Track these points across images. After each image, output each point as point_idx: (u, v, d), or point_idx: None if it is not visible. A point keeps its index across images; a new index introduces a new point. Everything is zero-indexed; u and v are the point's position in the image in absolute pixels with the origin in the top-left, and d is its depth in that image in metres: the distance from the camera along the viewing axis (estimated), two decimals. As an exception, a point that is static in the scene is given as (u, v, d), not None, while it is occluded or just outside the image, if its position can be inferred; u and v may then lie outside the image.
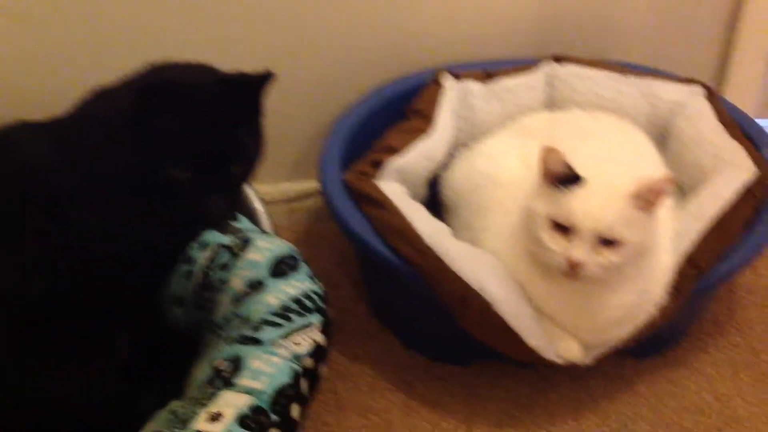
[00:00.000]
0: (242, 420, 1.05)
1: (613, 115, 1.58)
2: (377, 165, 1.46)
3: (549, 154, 1.19)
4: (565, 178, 1.18)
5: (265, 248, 1.36)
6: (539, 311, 1.28)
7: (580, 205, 1.16)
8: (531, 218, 1.22)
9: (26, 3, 1.47)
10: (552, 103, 1.69)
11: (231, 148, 1.03)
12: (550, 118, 1.61)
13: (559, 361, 1.29)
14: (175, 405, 1.13)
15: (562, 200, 1.17)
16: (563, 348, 1.28)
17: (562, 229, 1.17)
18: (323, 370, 1.23)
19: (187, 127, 0.99)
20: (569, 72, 1.67)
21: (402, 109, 1.63)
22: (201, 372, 1.17)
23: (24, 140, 1.08)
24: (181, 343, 1.32)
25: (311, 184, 1.80)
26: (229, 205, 1.06)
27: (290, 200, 1.83)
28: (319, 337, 1.22)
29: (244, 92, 1.05)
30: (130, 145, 0.99)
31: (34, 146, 1.06)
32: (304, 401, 1.15)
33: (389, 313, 1.57)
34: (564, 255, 1.16)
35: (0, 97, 1.52)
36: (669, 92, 1.64)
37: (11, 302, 1.03)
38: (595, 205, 1.15)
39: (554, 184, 1.19)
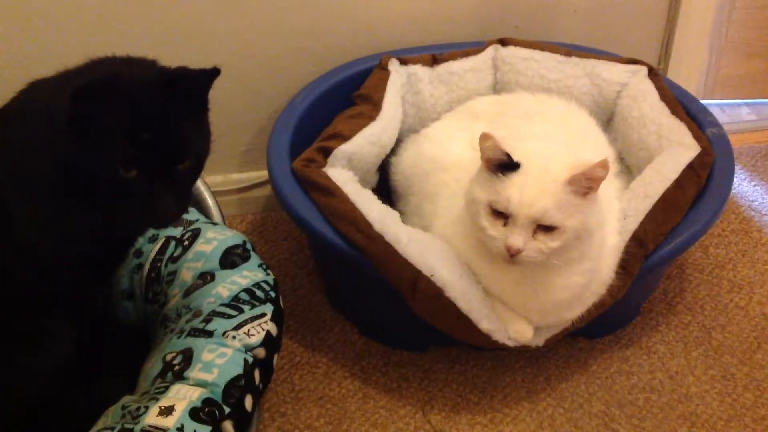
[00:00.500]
0: (194, 412, 1.05)
1: (559, 97, 1.59)
2: (325, 152, 1.45)
3: (486, 140, 1.18)
4: (502, 165, 1.18)
5: (215, 239, 1.36)
6: (489, 295, 1.28)
7: (516, 192, 1.15)
8: (472, 204, 1.22)
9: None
10: (498, 86, 1.70)
11: (177, 146, 1.00)
12: (496, 100, 1.62)
13: (511, 344, 1.30)
14: (126, 400, 1.12)
15: (500, 187, 1.17)
16: (515, 331, 1.29)
17: (501, 215, 1.18)
18: (276, 360, 1.23)
19: (130, 124, 0.96)
20: (514, 54, 1.67)
21: (348, 95, 1.63)
22: (152, 366, 1.16)
23: None
24: (131, 337, 1.31)
25: (261, 174, 1.80)
26: (178, 205, 1.02)
27: (241, 190, 1.82)
28: (271, 327, 1.22)
29: (189, 88, 1.02)
30: (70, 143, 0.97)
31: None
32: (257, 392, 1.15)
33: (344, 302, 1.57)
34: (502, 241, 1.17)
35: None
36: (613, 73, 1.66)
37: None
38: (530, 191, 1.15)
39: (492, 171, 1.19)
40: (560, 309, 1.29)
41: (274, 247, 1.74)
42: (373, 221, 1.30)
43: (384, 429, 1.37)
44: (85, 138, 0.96)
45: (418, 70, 1.64)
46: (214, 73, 1.02)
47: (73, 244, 1.06)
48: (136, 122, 0.96)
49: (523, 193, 1.15)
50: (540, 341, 1.32)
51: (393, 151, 1.63)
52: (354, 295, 1.53)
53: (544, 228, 1.16)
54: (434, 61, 1.66)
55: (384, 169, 1.64)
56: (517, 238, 1.15)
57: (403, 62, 1.64)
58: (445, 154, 1.48)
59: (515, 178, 1.16)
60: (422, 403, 1.41)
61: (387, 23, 1.71)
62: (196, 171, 1.06)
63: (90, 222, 1.04)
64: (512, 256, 1.16)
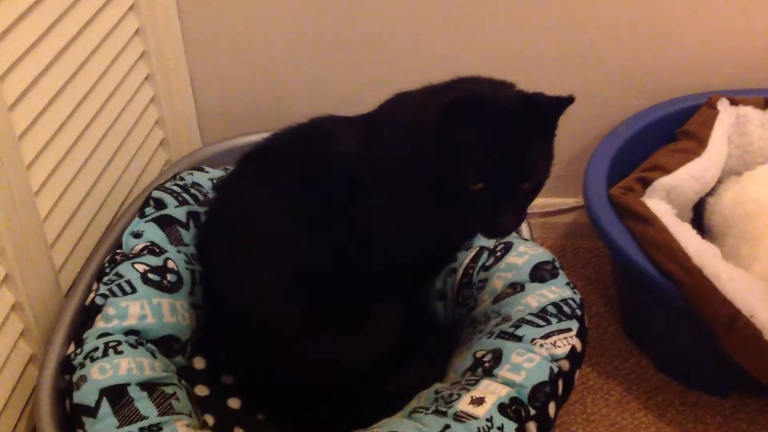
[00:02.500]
0: (503, 408, 1.09)
1: None
2: (645, 183, 1.45)
3: None
4: None
5: (526, 253, 1.40)
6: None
7: None
8: None
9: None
10: (836, 136, 1.61)
11: (524, 166, 1.06)
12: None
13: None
14: (439, 386, 1.19)
15: None
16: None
17: None
18: (577, 375, 1.24)
19: (487, 141, 1.03)
20: None
21: (670, 132, 1.62)
22: (463, 360, 1.23)
23: (336, 130, 1.19)
24: (442, 332, 1.39)
25: (568, 200, 1.83)
26: (515, 220, 1.09)
27: (545, 215, 1.86)
28: (576, 342, 1.23)
29: (543, 113, 1.08)
30: (431, 152, 1.06)
31: (346, 137, 1.18)
32: (559, 401, 1.17)
33: (643, 334, 1.55)
34: None
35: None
36: None
37: (311, 274, 1.14)
38: None
39: None
40: None
41: (572, 274, 1.76)
42: (692, 254, 1.29)
43: (676, 467, 1.34)
44: (444, 149, 1.05)
45: (749, 111, 1.59)
46: (569, 100, 1.06)
47: (417, 240, 1.16)
48: (492, 141, 1.03)
49: None
50: None
51: (711, 192, 1.59)
52: (656, 328, 1.51)
53: None
54: (767, 104, 1.60)
55: (698, 209, 1.60)
56: None
57: (734, 102, 1.60)
58: (771, 198, 1.43)
59: None
60: (719, 449, 1.37)
61: (717, 62, 1.67)
62: (536, 191, 1.11)
63: (435, 224, 1.14)
64: None
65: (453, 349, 1.32)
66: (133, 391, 1.08)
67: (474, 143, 1.04)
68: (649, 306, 1.49)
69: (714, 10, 1.61)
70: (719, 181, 1.60)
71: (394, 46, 1.66)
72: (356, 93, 1.69)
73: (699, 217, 1.60)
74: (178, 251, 1.29)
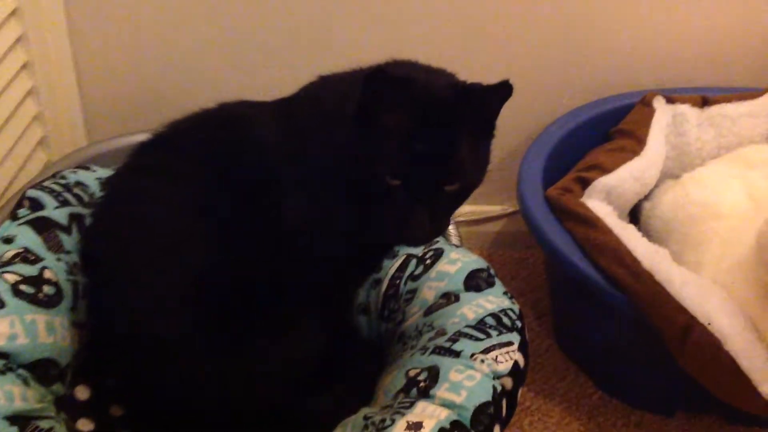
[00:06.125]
0: (443, 433, 0.95)
1: None
2: (584, 183, 1.35)
3: None
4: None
5: (459, 260, 1.27)
6: (774, 354, 1.12)
7: None
8: None
9: None
10: (776, 135, 1.54)
11: (450, 165, 0.91)
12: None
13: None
14: (367, 411, 1.04)
15: None
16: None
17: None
18: (520, 393, 1.11)
19: (409, 129, 0.89)
20: (803, 102, 1.51)
21: (604, 131, 1.53)
22: (393, 380, 1.08)
23: (249, 115, 1.04)
24: (368, 350, 1.24)
25: (493, 208, 1.73)
26: (431, 228, 0.93)
27: (471, 223, 1.74)
28: (519, 358, 1.11)
29: (479, 104, 0.94)
30: (350, 136, 0.91)
31: (261, 123, 1.02)
32: (503, 424, 1.04)
33: (583, 349, 1.44)
34: None
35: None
36: None
37: (218, 282, 0.97)
38: None
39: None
40: None
41: (500, 287, 1.64)
42: (641, 257, 1.18)
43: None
44: (364, 136, 0.91)
45: (686, 110, 1.51)
46: (506, 90, 0.93)
47: (339, 242, 1.01)
48: (416, 130, 0.89)
49: None
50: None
51: (647, 196, 1.50)
52: (596, 342, 1.40)
53: None
54: (704, 102, 1.52)
55: (633, 214, 1.51)
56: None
57: (670, 101, 1.52)
58: (717, 200, 1.34)
59: None
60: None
61: (651, 61, 1.60)
62: (462, 197, 0.97)
63: (349, 221, 0.98)
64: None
65: (380, 368, 1.18)
66: (1, 426, 0.90)
67: (395, 130, 0.89)
68: (591, 317, 1.37)
69: (645, 8, 1.54)
70: (655, 185, 1.51)
71: (306, 37, 1.52)
72: (264, 88, 1.53)
73: (635, 222, 1.50)
74: (58, 259, 1.10)
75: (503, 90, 0.93)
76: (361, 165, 0.91)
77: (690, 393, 1.18)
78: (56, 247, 1.11)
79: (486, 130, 0.97)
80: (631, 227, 1.27)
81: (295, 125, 1.01)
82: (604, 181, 1.35)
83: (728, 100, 1.52)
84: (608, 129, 1.52)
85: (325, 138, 0.97)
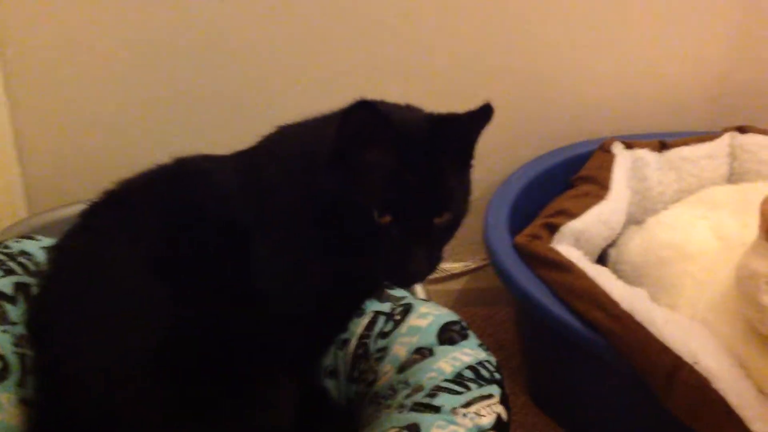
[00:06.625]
0: (432, 494, 0.88)
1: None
2: (551, 228, 1.32)
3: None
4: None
5: (429, 314, 1.22)
6: (763, 391, 1.08)
7: None
8: (748, 281, 1.05)
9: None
10: (734, 176, 1.55)
11: (439, 196, 0.88)
12: (739, 190, 1.45)
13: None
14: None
15: None
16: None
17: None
18: (505, 449, 1.05)
19: (395, 163, 0.85)
20: (756, 142, 1.53)
21: (564, 179, 1.52)
22: (371, 443, 1.01)
23: (209, 168, 0.98)
24: (340, 413, 1.17)
25: (454, 265, 1.71)
26: (429, 263, 0.89)
27: (433, 281, 1.69)
28: (501, 411, 1.05)
29: (459, 132, 0.91)
30: (330, 181, 0.87)
31: (222, 175, 0.96)
32: (492, 481, 0.97)
33: (560, 402, 1.38)
34: None
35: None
36: None
37: (181, 345, 0.90)
38: None
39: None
40: None
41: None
42: (619, 299, 1.14)
43: None
44: (344, 172, 0.86)
45: (646, 154, 1.51)
46: (485, 114, 0.89)
47: (307, 293, 0.94)
48: (402, 163, 0.85)
49: None
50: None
51: (612, 244, 1.47)
52: (574, 394, 1.35)
53: None
54: (662, 146, 1.52)
55: (600, 261, 1.48)
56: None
57: (628, 146, 1.52)
58: (686, 241, 1.32)
59: None
60: None
61: (609, 108, 1.60)
62: (453, 229, 0.92)
63: (324, 272, 0.93)
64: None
65: (354, 432, 1.11)
66: None
67: (378, 165, 0.85)
68: (568, 367, 1.32)
69: (598, 57, 1.55)
70: (620, 232, 1.49)
71: (242, 96, 1.49)
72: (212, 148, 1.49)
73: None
74: (4, 331, 1.02)
75: (484, 114, 0.90)
76: (344, 207, 0.86)
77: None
78: (1, 319, 1.03)
79: (466, 157, 0.94)
80: (606, 270, 1.24)
81: (259, 175, 0.95)
82: (572, 226, 1.32)
83: (686, 143, 1.53)
84: (569, 176, 1.51)
85: (295, 186, 0.91)
